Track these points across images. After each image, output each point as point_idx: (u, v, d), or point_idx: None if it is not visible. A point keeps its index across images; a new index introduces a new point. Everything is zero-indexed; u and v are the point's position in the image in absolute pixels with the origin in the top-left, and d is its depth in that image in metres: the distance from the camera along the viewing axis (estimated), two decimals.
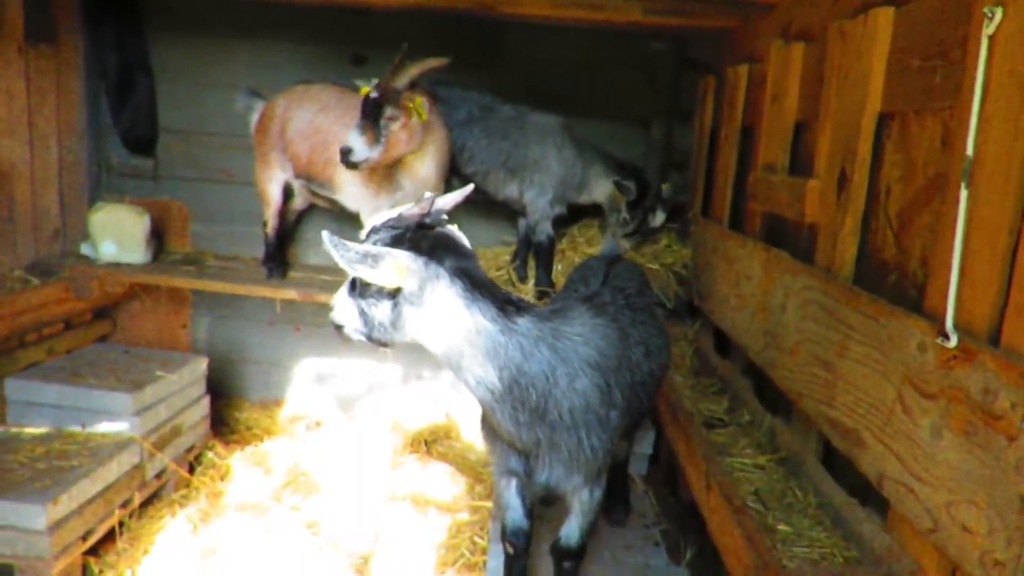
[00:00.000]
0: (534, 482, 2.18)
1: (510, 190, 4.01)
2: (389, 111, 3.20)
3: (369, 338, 1.94)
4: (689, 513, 3.37)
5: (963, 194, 1.65)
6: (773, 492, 2.45)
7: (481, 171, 3.99)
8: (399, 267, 1.78)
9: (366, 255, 1.76)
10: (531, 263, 4.18)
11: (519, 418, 1.97)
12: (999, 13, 1.58)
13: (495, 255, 4.53)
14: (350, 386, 4.83)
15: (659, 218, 4.02)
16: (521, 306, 1.95)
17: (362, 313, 1.91)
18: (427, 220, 1.91)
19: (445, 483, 3.92)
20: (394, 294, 1.83)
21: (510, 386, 1.91)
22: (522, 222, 4.17)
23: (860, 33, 2.28)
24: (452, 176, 4.14)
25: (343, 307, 1.97)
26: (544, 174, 3.91)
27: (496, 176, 3.99)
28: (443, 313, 1.84)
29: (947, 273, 1.69)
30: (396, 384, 4.82)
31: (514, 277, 4.20)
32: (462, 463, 4.16)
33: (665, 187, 4.03)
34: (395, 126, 3.23)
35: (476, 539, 3.32)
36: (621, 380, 2.16)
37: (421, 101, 3.27)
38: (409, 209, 1.94)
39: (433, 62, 3.26)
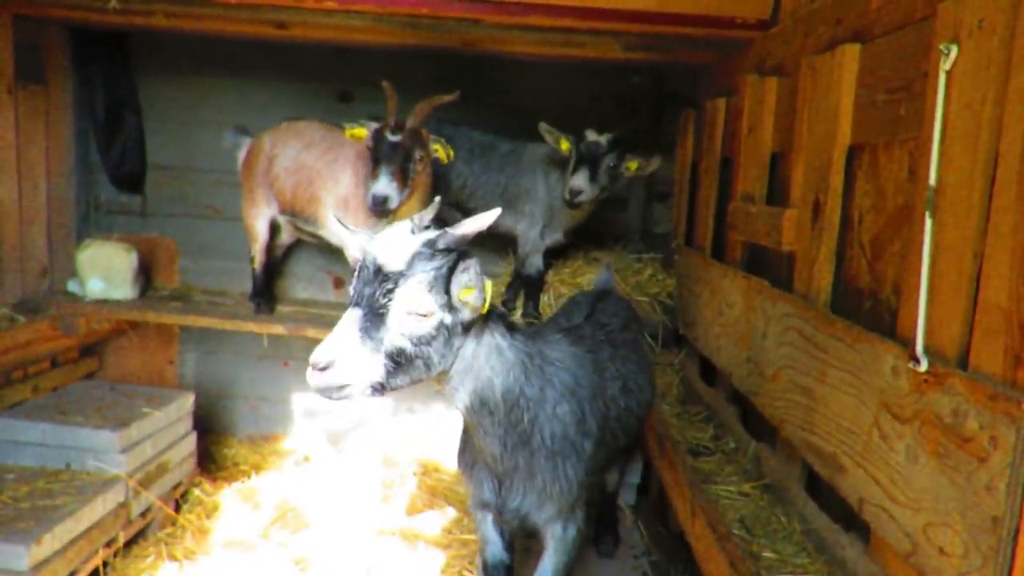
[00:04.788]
0: (505, 509, 2.15)
1: (507, 222, 4.10)
2: (419, 153, 3.25)
3: (388, 386, 1.67)
4: (679, 543, 3.36)
5: (928, 222, 1.70)
6: (758, 519, 2.46)
7: (481, 205, 4.10)
8: (488, 294, 1.72)
9: (482, 279, 1.68)
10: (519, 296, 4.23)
11: (507, 442, 1.95)
12: (954, 50, 1.65)
13: None
14: (339, 420, 4.82)
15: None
16: (515, 326, 1.98)
17: (396, 355, 1.64)
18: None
19: (435, 517, 3.90)
20: (446, 327, 1.71)
21: (511, 407, 1.89)
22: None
23: (829, 68, 2.35)
24: (454, 211, 4.22)
25: (356, 360, 1.61)
26: (533, 203, 3.98)
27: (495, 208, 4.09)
28: (476, 335, 1.81)
29: (916, 299, 1.73)
30: (385, 418, 4.81)
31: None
32: (452, 496, 4.14)
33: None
34: (420, 167, 3.30)
35: (465, 572, 3.31)
36: (595, 410, 2.16)
37: (442, 141, 3.36)
38: (458, 229, 1.75)
39: (443, 97, 3.32)
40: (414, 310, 1.63)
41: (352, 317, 1.63)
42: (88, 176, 4.64)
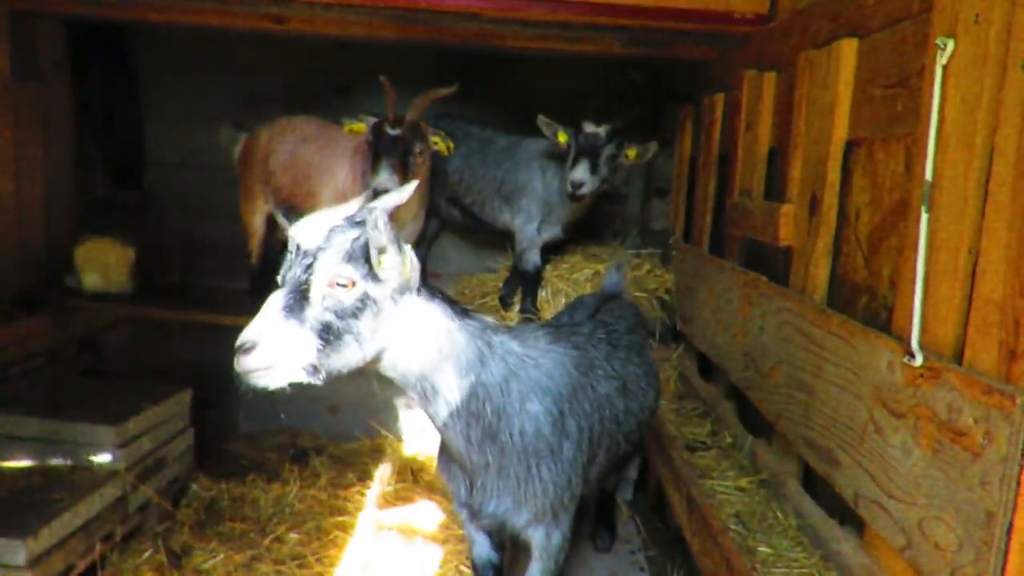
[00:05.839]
0: (483, 514, 2.06)
1: (504, 218, 4.10)
2: (419, 146, 3.28)
3: (319, 367, 1.63)
4: (676, 538, 3.37)
5: (924, 217, 1.70)
6: (754, 514, 2.47)
7: (479, 200, 4.10)
8: (409, 259, 1.68)
9: (396, 239, 1.62)
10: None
11: (471, 435, 1.88)
12: (951, 44, 1.65)
13: (481, 282, 4.57)
14: (337, 415, 4.82)
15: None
16: (466, 310, 1.89)
17: (324, 332, 1.60)
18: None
19: (432, 512, 3.90)
20: (373, 300, 1.66)
21: (469, 396, 1.82)
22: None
23: (826, 63, 2.35)
24: (451, 206, 4.23)
25: (283, 338, 1.58)
26: (530, 198, 3.98)
27: (492, 204, 4.10)
28: (414, 313, 1.75)
29: (912, 294, 1.74)
30: (384, 413, 4.81)
31: (499, 304, 4.24)
32: (448, 492, 4.14)
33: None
34: (420, 160, 3.33)
35: (462, 568, 3.30)
36: (576, 410, 2.06)
37: (442, 134, 3.38)
38: (369, 207, 1.75)
39: (441, 91, 3.33)
40: (335, 280, 1.61)
41: (276, 298, 1.62)
42: (86, 171, 4.63)
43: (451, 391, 1.82)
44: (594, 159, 3.52)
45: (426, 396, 1.84)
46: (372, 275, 1.65)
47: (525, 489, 1.96)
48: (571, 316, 2.68)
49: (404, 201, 1.79)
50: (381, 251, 1.62)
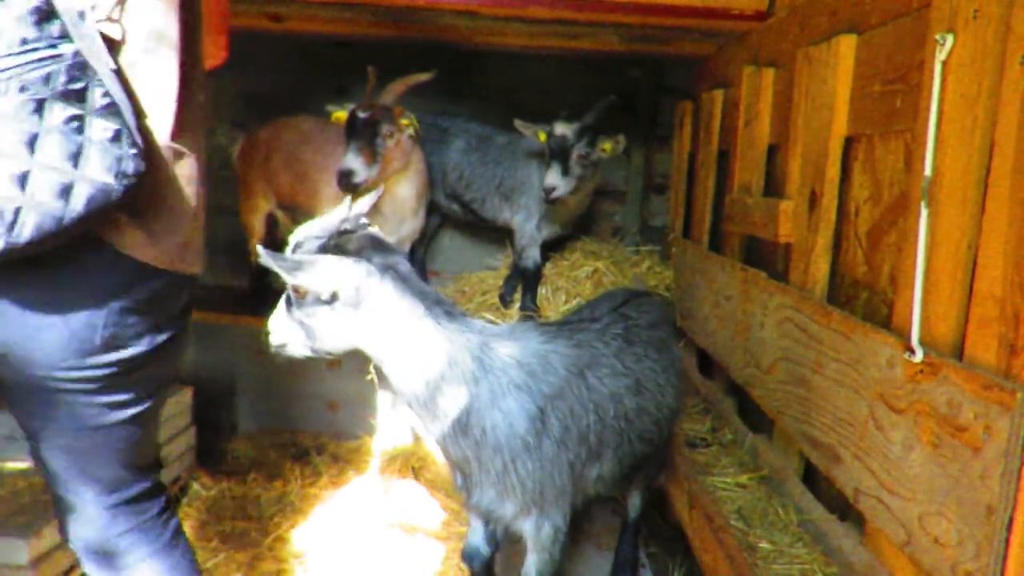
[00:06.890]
0: (470, 503, 2.14)
1: (504, 215, 4.10)
2: (385, 128, 3.28)
3: (314, 350, 1.95)
4: (678, 534, 3.37)
5: (923, 213, 1.70)
6: (755, 510, 2.47)
7: (479, 197, 4.10)
8: (331, 270, 1.80)
9: (300, 263, 1.78)
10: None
11: (443, 429, 1.96)
12: (950, 39, 1.64)
13: (480, 279, 4.57)
14: (338, 414, 4.82)
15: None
16: (451, 311, 1.94)
17: (303, 326, 1.89)
18: (347, 225, 1.93)
19: (433, 509, 3.91)
20: (331, 300, 1.83)
21: (433, 393, 1.90)
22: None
23: (825, 59, 2.35)
24: (452, 202, 4.24)
25: (283, 326, 1.96)
26: (529, 196, 3.98)
27: (492, 201, 4.10)
28: (378, 310, 1.84)
29: (912, 289, 1.74)
30: (384, 410, 4.81)
31: (499, 302, 4.24)
32: (450, 489, 4.15)
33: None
34: (390, 143, 3.32)
35: (463, 565, 3.31)
36: (563, 409, 2.04)
37: (412, 118, 3.38)
38: (328, 217, 1.96)
39: (419, 77, 3.34)
40: (294, 287, 1.86)
41: (284, 299, 1.95)
42: None
43: (418, 387, 1.91)
44: (564, 161, 3.48)
45: (399, 390, 1.96)
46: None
47: (504, 483, 2.01)
48: (592, 311, 2.60)
49: (365, 210, 2.01)
50: (291, 270, 1.78)
